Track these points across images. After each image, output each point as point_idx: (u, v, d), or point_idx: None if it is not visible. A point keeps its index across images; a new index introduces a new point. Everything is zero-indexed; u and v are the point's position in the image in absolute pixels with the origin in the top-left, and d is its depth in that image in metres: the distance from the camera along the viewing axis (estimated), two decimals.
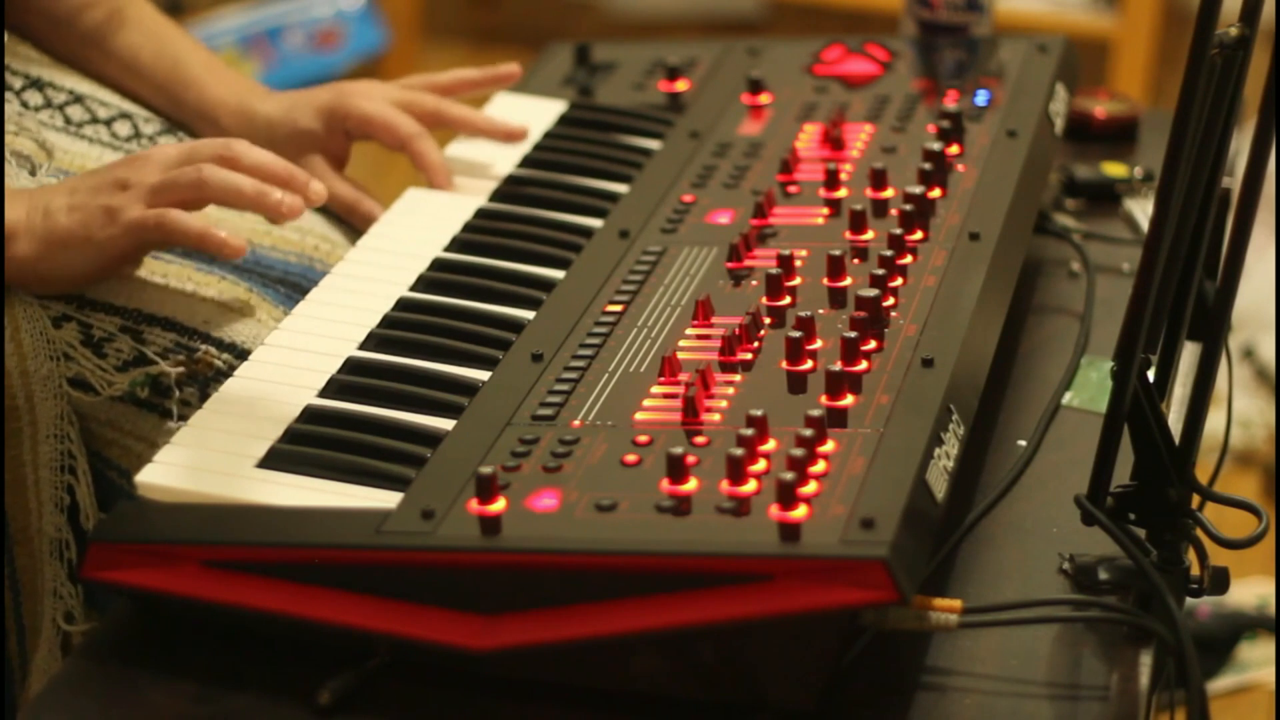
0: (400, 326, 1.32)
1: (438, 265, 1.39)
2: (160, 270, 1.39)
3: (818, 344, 1.22)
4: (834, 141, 1.50)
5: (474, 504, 1.09)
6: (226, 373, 1.31)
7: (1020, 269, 1.39)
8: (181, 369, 1.36)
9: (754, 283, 1.32)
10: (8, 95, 1.47)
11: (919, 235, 1.35)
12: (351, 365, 1.27)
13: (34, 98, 1.50)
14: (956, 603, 1.11)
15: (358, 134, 1.56)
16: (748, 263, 1.34)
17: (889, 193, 1.42)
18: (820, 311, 1.26)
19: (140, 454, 1.31)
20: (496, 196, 1.51)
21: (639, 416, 1.17)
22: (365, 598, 1.09)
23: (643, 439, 1.14)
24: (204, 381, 1.34)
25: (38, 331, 1.33)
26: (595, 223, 1.45)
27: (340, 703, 1.09)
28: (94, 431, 1.37)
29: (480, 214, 1.48)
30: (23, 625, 1.38)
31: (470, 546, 1.07)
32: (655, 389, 1.20)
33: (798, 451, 1.08)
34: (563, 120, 1.63)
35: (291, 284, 1.47)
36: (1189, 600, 1.27)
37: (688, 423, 1.16)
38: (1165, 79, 3.58)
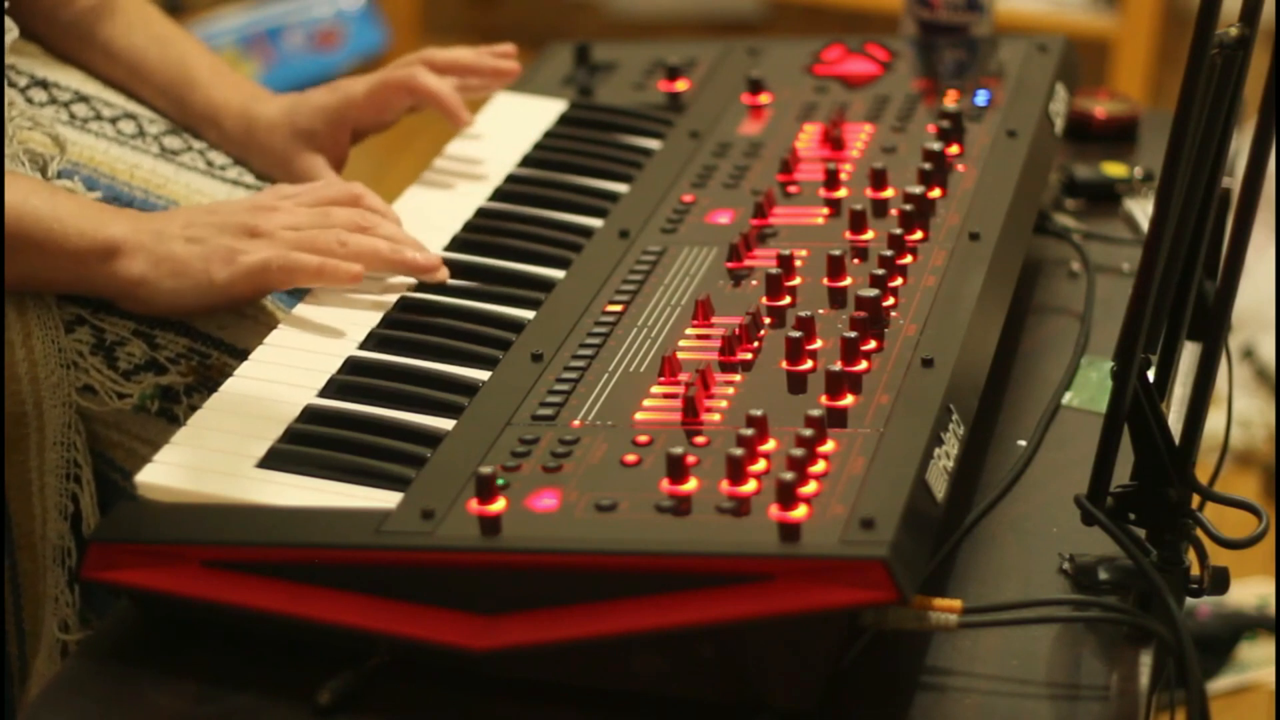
0: (400, 326, 1.32)
1: None
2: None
3: (818, 344, 1.22)
4: (834, 141, 1.50)
5: (474, 504, 1.09)
6: None
7: (1020, 269, 1.39)
8: (191, 378, 1.36)
9: (754, 283, 1.32)
10: (13, 93, 1.47)
11: (919, 235, 1.35)
12: (351, 365, 1.27)
13: (38, 95, 1.50)
14: (956, 603, 1.11)
15: (367, 119, 1.57)
16: (748, 263, 1.34)
17: (889, 193, 1.42)
18: (820, 311, 1.26)
19: (144, 457, 1.31)
20: (496, 196, 1.51)
21: (639, 416, 1.17)
22: (365, 598, 1.09)
23: (643, 439, 1.14)
24: (215, 387, 1.34)
25: (50, 339, 1.33)
26: (595, 223, 1.45)
27: (340, 703, 1.09)
28: (98, 433, 1.37)
29: (480, 213, 1.48)
30: (23, 630, 1.38)
31: (470, 546, 1.07)
32: (655, 389, 1.20)
33: (798, 451, 1.08)
34: (563, 120, 1.63)
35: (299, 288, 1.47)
36: (1189, 600, 1.27)
37: (688, 423, 1.16)
38: (1165, 79, 3.58)
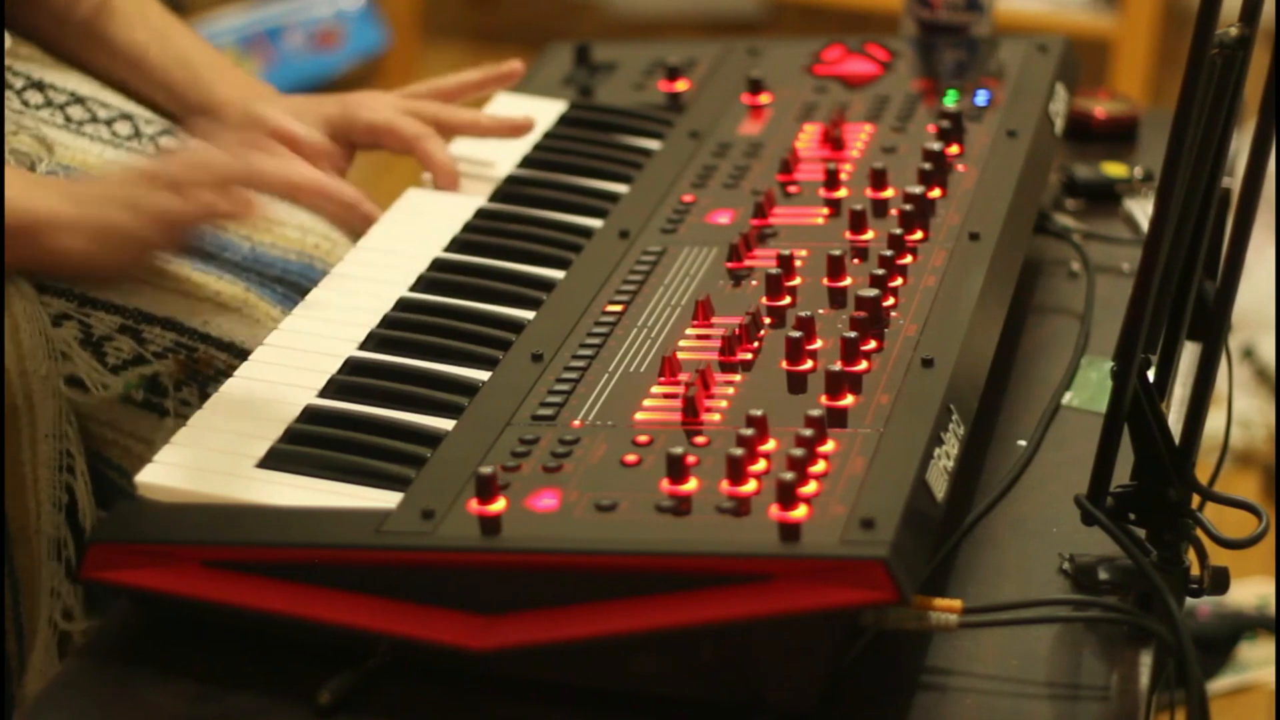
0: (400, 326, 1.32)
1: (438, 265, 1.40)
2: (159, 269, 1.39)
3: (818, 344, 1.22)
4: (834, 141, 1.50)
5: (474, 504, 1.09)
6: (225, 372, 1.31)
7: (1020, 269, 1.39)
8: (179, 371, 1.36)
9: (754, 283, 1.32)
10: (8, 95, 1.47)
11: (919, 235, 1.35)
12: (351, 365, 1.27)
13: (34, 97, 1.50)
14: (956, 603, 1.11)
15: (365, 143, 1.56)
16: (748, 263, 1.34)
17: (889, 193, 1.42)
18: (820, 311, 1.26)
19: (139, 454, 1.32)
20: (496, 196, 1.51)
21: (639, 416, 1.17)
22: (365, 598, 1.09)
23: (643, 439, 1.14)
24: (203, 381, 1.34)
25: (37, 331, 1.33)
26: (595, 223, 1.45)
27: (340, 703, 1.09)
28: (93, 431, 1.37)
29: (480, 214, 1.48)
30: (21, 625, 1.38)
31: (470, 546, 1.07)
32: (655, 389, 1.20)
33: (798, 451, 1.08)
34: (563, 120, 1.63)
35: (290, 283, 1.47)
36: (1189, 600, 1.27)
37: (688, 423, 1.16)
38: (1165, 79, 3.58)
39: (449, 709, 1.10)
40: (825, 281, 1.30)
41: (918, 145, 1.47)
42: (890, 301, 1.26)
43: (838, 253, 1.31)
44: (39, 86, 1.51)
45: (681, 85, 1.66)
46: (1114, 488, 1.17)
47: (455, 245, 1.43)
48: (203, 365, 1.36)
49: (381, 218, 1.49)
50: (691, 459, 1.10)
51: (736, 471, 1.08)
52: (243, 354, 1.34)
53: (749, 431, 1.11)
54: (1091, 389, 1.40)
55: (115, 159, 1.49)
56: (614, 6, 4.09)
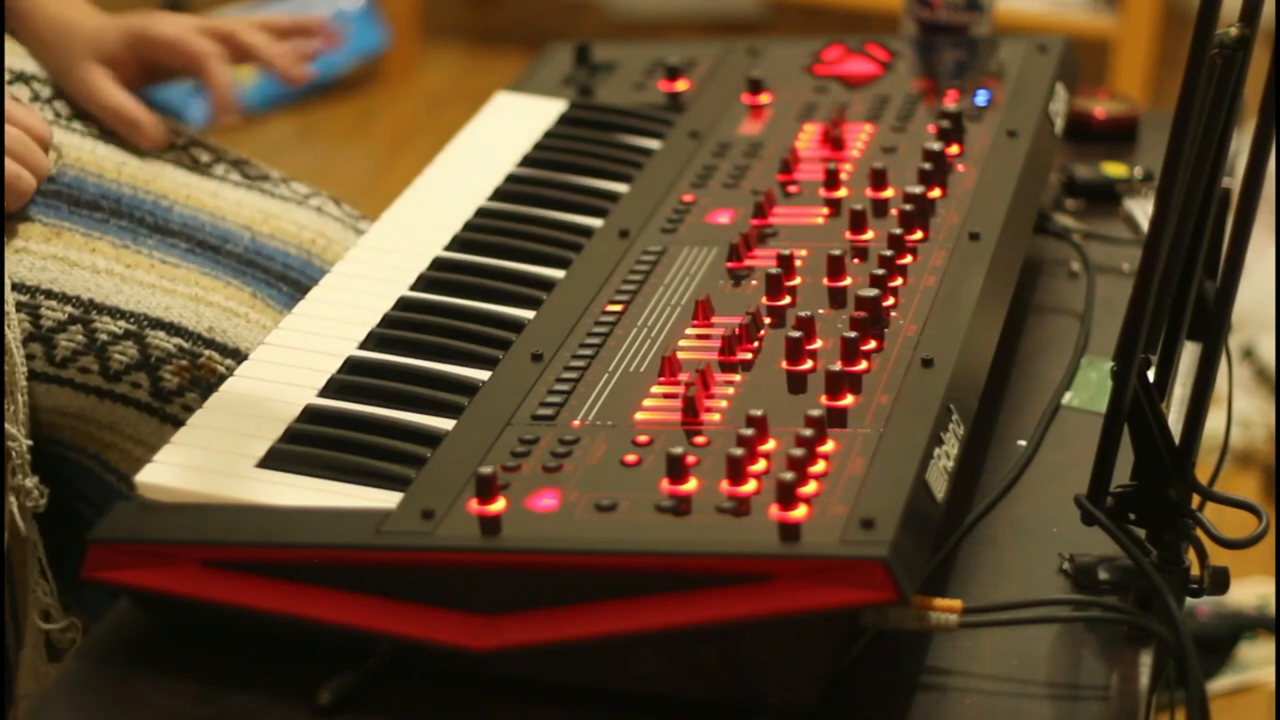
0: (400, 326, 1.32)
1: (438, 264, 1.40)
2: (168, 275, 1.39)
3: (818, 344, 1.22)
4: (834, 141, 1.50)
5: (474, 504, 1.09)
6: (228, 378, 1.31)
7: (1020, 269, 1.39)
8: (183, 377, 1.36)
9: (754, 283, 1.32)
10: None
11: (919, 235, 1.35)
12: (351, 365, 1.27)
13: (21, 92, 1.50)
14: (956, 603, 1.11)
15: (157, 56, 1.55)
16: (748, 263, 1.34)
17: (889, 193, 1.42)
18: (820, 311, 1.26)
19: (139, 458, 1.31)
20: (496, 196, 1.51)
21: (639, 416, 1.17)
22: (365, 598, 1.09)
23: (643, 439, 1.14)
24: (206, 387, 1.34)
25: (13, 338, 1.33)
26: (595, 223, 1.45)
27: (340, 703, 1.09)
28: (93, 435, 1.37)
29: (480, 213, 1.48)
30: (18, 622, 1.38)
31: (470, 546, 1.07)
32: (655, 389, 1.20)
33: (798, 451, 1.08)
34: (563, 120, 1.63)
35: (292, 280, 1.47)
36: (1189, 600, 1.27)
37: (688, 423, 1.16)
38: (1165, 79, 3.58)
39: (449, 709, 1.10)
40: (825, 281, 1.30)
41: (918, 145, 1.47)
42: (890, 301, 1.26)
43: (838, 253, 1.31)
44: (24, 80, 1.51)
45: (681, 85, 1.66)
46: (1114, 488, 1.17)
47: (456, 244, 1.43)
48: (206, 372, 1.36)
49: (382, 215, 1.49)
50: (691, 459, 1.10)
51: (736, 471, 1.08)
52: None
53: (749, 431, 1.11)
54: (1091, 389, 1.40)
55: (107, 155, 1.48)
56: (614, 6, 4.09)
